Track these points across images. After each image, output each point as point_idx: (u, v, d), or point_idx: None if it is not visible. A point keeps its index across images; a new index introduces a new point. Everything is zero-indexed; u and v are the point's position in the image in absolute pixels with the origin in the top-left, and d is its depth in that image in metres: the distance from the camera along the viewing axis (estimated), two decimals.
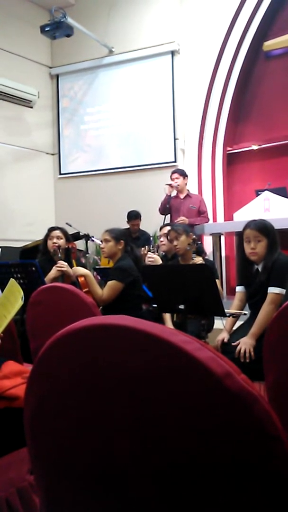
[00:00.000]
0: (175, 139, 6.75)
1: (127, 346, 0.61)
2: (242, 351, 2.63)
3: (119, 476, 0.66)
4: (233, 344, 2.70)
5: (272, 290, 2.69)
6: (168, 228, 3.89)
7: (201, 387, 0.55)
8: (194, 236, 3.43)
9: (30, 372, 0.74)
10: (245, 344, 2.66)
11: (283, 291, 2.67)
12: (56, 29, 5.92)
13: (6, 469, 1.41)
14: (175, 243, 3.39)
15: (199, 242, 3.66)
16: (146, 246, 4.10)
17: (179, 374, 0.57)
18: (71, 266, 3.48)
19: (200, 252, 3.53)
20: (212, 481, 0.57)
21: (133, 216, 6.00)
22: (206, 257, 3.73)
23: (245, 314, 2.95)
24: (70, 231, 4.52)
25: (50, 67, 7.68)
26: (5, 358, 1.78)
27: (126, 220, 6.01)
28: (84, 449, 0.70)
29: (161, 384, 0.59)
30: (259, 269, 2.82)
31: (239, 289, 2.99)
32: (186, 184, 5.59)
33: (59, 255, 3.45)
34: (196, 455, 0.58)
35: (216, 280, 2.78)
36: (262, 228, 2.77)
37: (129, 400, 0.62)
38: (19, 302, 1.56)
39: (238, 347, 2.66)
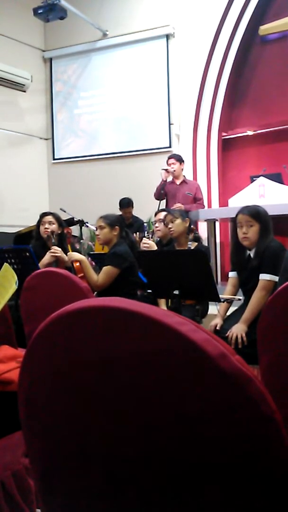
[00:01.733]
0: (170, 124, 6.71)
1: (121, 328, 0.61)
2: (234, 337, 2.66)
3: (114, 458, 0.66)
4: (226, 335, 2.72)
5: (264, 276, 2.71)
6: (164, 213, 3.88)
7: (196, 368, 0.55)
8: (192, 226, 3.44)
9: (24, 355, 0.73)
10: (237, 329, 2.68)
11: (274, 277, 2.68)
12: (49, 11, 5.83)
13: (1, 453, 1.42)
14: (170, 225, 3.38)
15: (196, 232, 3.67)
16: (138, 233, 4.09)
17: (174, 356, 0.56)
18: (65, 251, 3.47)
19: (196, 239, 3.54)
20: (208, 463, 0.58)
21: (125, 204, 5.97)
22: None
23: (239, 299, 2.97)
24: (64, 216, 4.50)
25: (43, 51, 7.58)
26: (0, 343, 1.78)
27: (119, 207, 5.98)
28: (78, 432, 0.70)
29: (156, 366, 0.58)
30: (251, 255, 2.83)
31: (231, 274, 3.01)
32: (182, 169, 5.56)
33: (53, 241, 3.43)
34: (191, 437, 0.58)
35: None
36: (254, 213, 2.78)
37: (124, 382, 0.62)
38: (13, 287, 1.56)
39: (230, 334, 2.68)
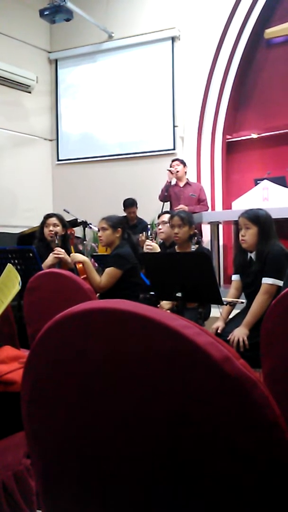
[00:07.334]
0: (174, 126, 6.71)
1: (126, 330, 0.61)
2: (235, 340, 2.65)
3: (116, 460, 0.66)
4: (228, 338, 2.71)
5: (266, 280, 2.70)
6: (167, 215, 3.88)
7: (200, 371, 0.55)
8: (195, 230, 3.43)
9: (28, 356, 0.73)
10: (238, 333, 2.68)
11: (276, 281, 2.67)
12: (56, 13, 5.84)
13: (2, 453, 1.42)
14: (176, 230, 3.36)
15: (200, 237, 3.66)
16: (144, 233, 4.09)
17: (178, 359, 0.56)
18: (69, 252, 3.46)
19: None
20: (210, 466, 0.58)
21: (129, 204, 5.98)
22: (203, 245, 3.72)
23: (242, 302, 2.96)
24: (68, 218, 4.51)
25: (49, 52, 7.60)
26: (2, 343, 1.78)
27: (123, 208, 5.98)
28: (80, 434, 0.70)
29: (160, 369, 0.58)
30: (253, 258, 2.83)
31: (235, 277, 3.01)
32: (185, 172, 5.62)
33: (57, 242, 3.43)
34: (194, 440, 0.58)
35: None
36: (252, 216, 2.79)
37: (127, 384, 0.62)
38: (16, 287, 1.56)
39: (232, 337, 2.67)
